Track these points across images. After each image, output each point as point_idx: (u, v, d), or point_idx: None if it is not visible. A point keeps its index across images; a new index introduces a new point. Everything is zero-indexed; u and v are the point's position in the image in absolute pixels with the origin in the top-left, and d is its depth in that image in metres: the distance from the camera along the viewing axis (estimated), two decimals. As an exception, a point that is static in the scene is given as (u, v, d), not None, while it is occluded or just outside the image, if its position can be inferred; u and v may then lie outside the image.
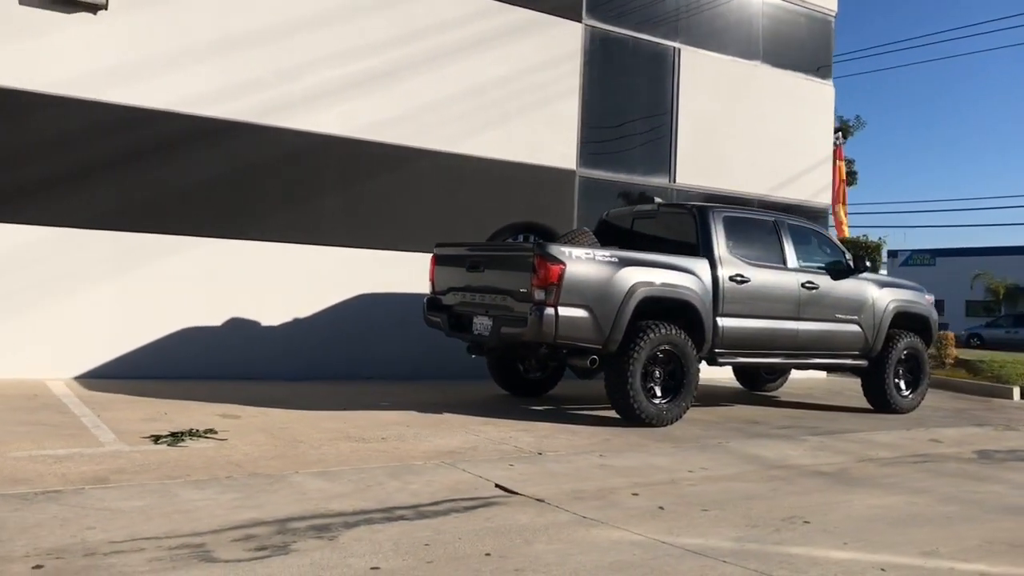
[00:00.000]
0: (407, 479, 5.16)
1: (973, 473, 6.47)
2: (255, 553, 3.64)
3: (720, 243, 8.53)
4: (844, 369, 9.92)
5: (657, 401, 7.90)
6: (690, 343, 8.04)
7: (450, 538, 4.00)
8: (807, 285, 9.02)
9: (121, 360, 8.73)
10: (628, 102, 12.47)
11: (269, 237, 9.57)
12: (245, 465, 5.29)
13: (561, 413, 8.37)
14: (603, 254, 7.73)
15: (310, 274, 9.79)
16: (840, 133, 26.82)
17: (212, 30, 9.20)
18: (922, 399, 10.20)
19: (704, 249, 8.47)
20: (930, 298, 10.48)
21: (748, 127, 13.56)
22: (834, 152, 20.70)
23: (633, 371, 7.66)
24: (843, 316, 9.39)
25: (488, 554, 3.78)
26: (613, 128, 12.36)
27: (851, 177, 27.01)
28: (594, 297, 7.57)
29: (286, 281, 9.65)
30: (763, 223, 9.24)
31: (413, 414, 7.61)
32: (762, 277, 8.75)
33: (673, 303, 8.11)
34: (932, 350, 13.85)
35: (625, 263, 7.81)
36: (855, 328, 9.48)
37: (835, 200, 17.86)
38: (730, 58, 13.40)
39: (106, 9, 8.57)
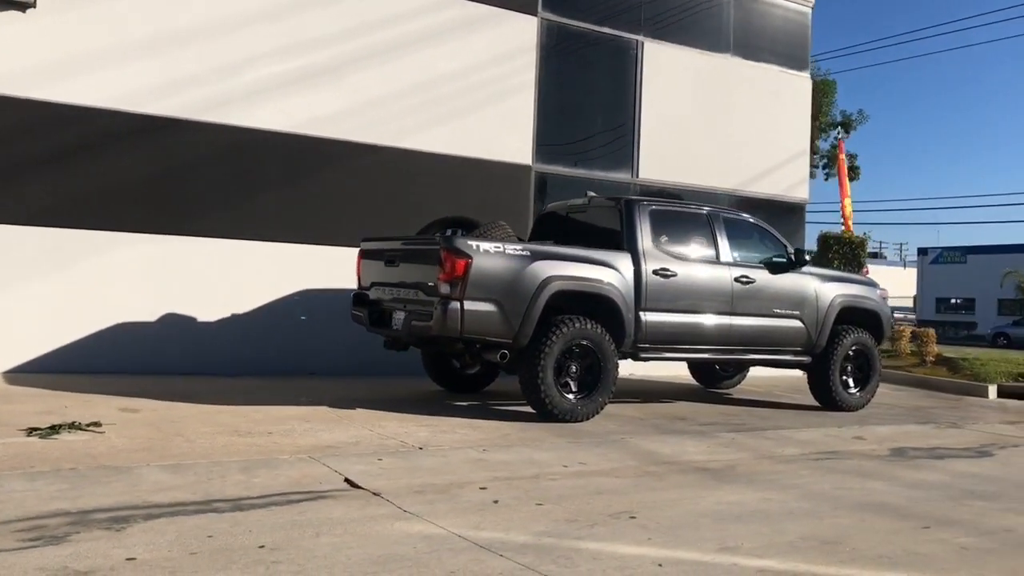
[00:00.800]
0: (256, 473, 5.15)
1: (867, 470, 6.30)
2: (23, 544, 3.66)
3: (645, 237, 8.41)
4: (786, 365, 9.73)
5: (572, 396, 7.82)
6: (608, 338, 7.93)
7: (241, 531, 3.98)
8: (741, 279, 8.86)
9: (54, 355, 8.84)
10: (588, 97, 12.36)
11: (208, 233, 9.63)
12: (101, 458, 5.32)
13: (484, 408, 8.31)
14: (513, 248, 7.67)
15: (251, 270, 9.84)
16: (842, 127, 26.52)
17: (147, 27, 9.28)
18: (872, 396, 9.97)
19: (628, 243, 8.37)
20: (884, 293, 10.24)
21: (718, 121, 13.37)
22: (835, 147, 20.34)
23: (544, 366, 7.58)
24: (783, 311, 9.20)
25: (262, 546, 3.75)
26: (572, 123, 12.26)
27: (853, 172, 26.51)
28: (503, 291, 7.50)
29: (227, 277, 9.70)
30: (695, 217, 9.10)
31: (323, 409, 7.60)
32: (690, 271, 8.62)
33: (590, 297, 8.01)
34: (896, 345, 13.60)
35: (537, 257, 7.73)
36: (796, 323, 9.29)
37: (842, 195, 17.63)
38: (697, 51, 13.21)
39: (35, 7, 8.68)
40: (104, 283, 9.08)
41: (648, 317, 8.31)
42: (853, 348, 9.69)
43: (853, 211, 18.66)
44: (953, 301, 52.88)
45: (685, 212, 9.15)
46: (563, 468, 5.82)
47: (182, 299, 9.50)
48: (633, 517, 4.53)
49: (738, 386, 11.45)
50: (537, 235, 9.60)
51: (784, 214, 14.24)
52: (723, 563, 3.79)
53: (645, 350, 8.44)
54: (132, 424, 6.43)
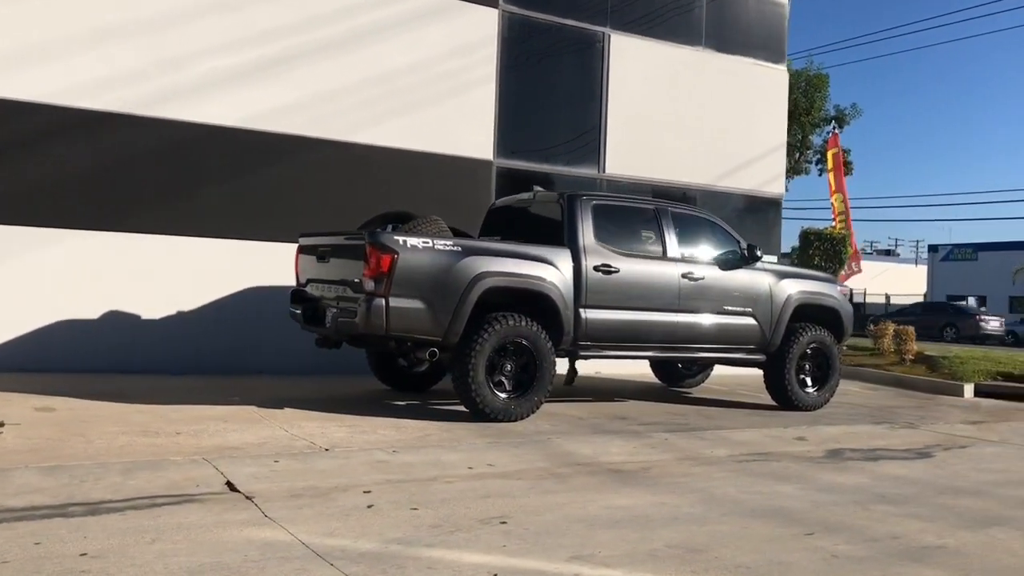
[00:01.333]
0: (137, 475, 5.00)
1: (788, 473, 6.07)
2: None
3: (586, 232, 8.21)
4: (741, 364, 9.49)
5: (505, 395, 7.63)
6: (544, 336, 7.74)
7: (76, 537, 3.83)
8: (689, 276, 8.64)
9: (-9, 352, 8.75)
10: (552, 90, 12.16)
11: (151, 229, 9.50)
12: (-17, 458, 5.19)
13: (420, 408, 8.14)
14: (443, 243, 7.48)
15: (196, 266, 9.71)
16: (835, 122, 26.14)
17: (88, 20, 9.15)
18: (831, 395, 9.72)
19: (569, 238, 8.17)
20: (844, 289, 9.99)
21: (690, 115, 13.12)
22: (828, 141, 20.04)
23: (475, 364, 7.40)
24: (734, 308, 8.97)
25: (84, 554, 3.60)
26: (536, 117, 12.06)
27: (846, 167, 26.05)
28: (431, 288, 7.33)
29: (170, 274, 9.57)
30: (642, 212, 8.89)
31: (249, 409, 7.44)
32: (634, 268, 8.41)
33: (526, 294, 7.83)
34: (880, 343, 13.34)
35: (468, 252, 7.55)
36: (749, 321, 9.05)
37: (837, 188, 17.34)
38: (667, 44, 12.97)
39: (-30, 2, 8.59)
40: (43, 280, 8.97)
41: (589, 315, 8.11)
42: (810, 346, 9.45)
43: (850, 207, 18.39)
44: (965, 298, 52.18)
45: (631, 207, 8.94)
46: (467, 470, 5.63)
47: (124, 296, 9.38)
48: (504, 522, 4.34)
49: (702, 385, 11.23)
50: (486, 230, 9.42)
51: (760, 209, 14.01)
52: (564, 572, 3.60)
53: (586, 348, 8.24)
54: (39, 424, 6.30)
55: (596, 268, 8.14)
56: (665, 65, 12.96)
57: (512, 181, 11.63)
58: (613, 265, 8.23)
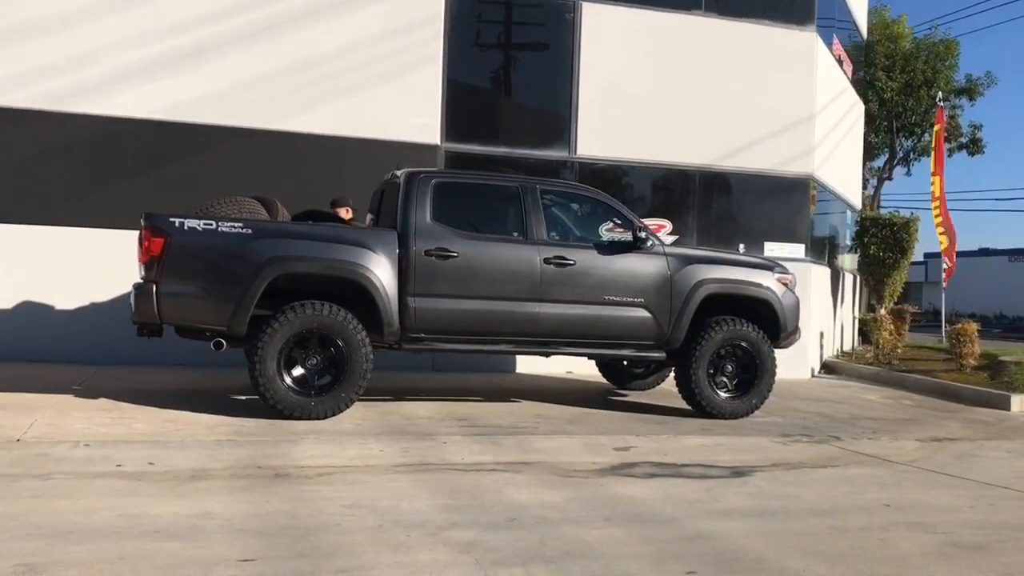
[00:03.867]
0: None
1: (474, 486, 5.04)
2: None
3: (421, 213, 7.42)
4: (633, 361, 8.27)
5: (304, 391, 7.00)
6: (355, 326, 7.04)
7: None
8: (555, 261, 7.59)
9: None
10: (512, 67, 11.32)
11: (65, 222, 9.66)
12: None
13: (237, 404, 7.57)
14: (230, 225, 6.97)
15: (111, 258, 9.76)
16: (966, 94, 22.78)
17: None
18: (760, 402, 8.24)
19: (400, 220, 7.42)
20: (786, 277, 8.44)
21: (686, 89, 11.78)
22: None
23: (262, 357, 6.83)
24: (618, 298, 7.80)
25: None
26: (492, 97, 11.30)
27: (976, 144, 22.53)
28: (212, 273, 6.87)
29: (84, 265, 9.70)
30: (500, 190, 7.96)
31: (60, 398, 7.28)
32: (479, 252, 7.50)
33: (334, 281, 7.17)
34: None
35: (261, 235, 7.02)
36: (639, 313, 7.85)
37: (937, 171, 15.15)
38: (654, 10, 11.70)
39: None
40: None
41: (420, 304, 7.31)
42: (729, 344, 8.06)
43: (946, 193, 15.90)
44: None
45: (486, 185, 8.05)
46: (149, 466, 5.13)
47: (38, 287, 9.61)
48: None
49: (657, 388, 9.91)
50: (372, 213, 8.82)
51: (781, 190, 12.36)
52: None
53: (419, 340, 7.44)
54: None
55: (428, 252, 7.32)
56: (653, 35, 11.70)
57: (465, 166, 10.91)
58: (451, 249, 7.37)
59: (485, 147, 11.10)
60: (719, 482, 5.48)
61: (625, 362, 9.29)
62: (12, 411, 6.63)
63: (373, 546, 3.84)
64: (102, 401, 7.25)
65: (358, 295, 7.15)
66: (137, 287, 6.82)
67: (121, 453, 5.48)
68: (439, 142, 10.86)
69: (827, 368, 13.38)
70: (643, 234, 7.80)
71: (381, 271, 7.18)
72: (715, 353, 8.06)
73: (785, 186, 12.34)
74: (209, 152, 10.11)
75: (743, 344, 8.11)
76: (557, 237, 7.83)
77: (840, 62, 14.46)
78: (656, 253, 7.96)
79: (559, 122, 11.41)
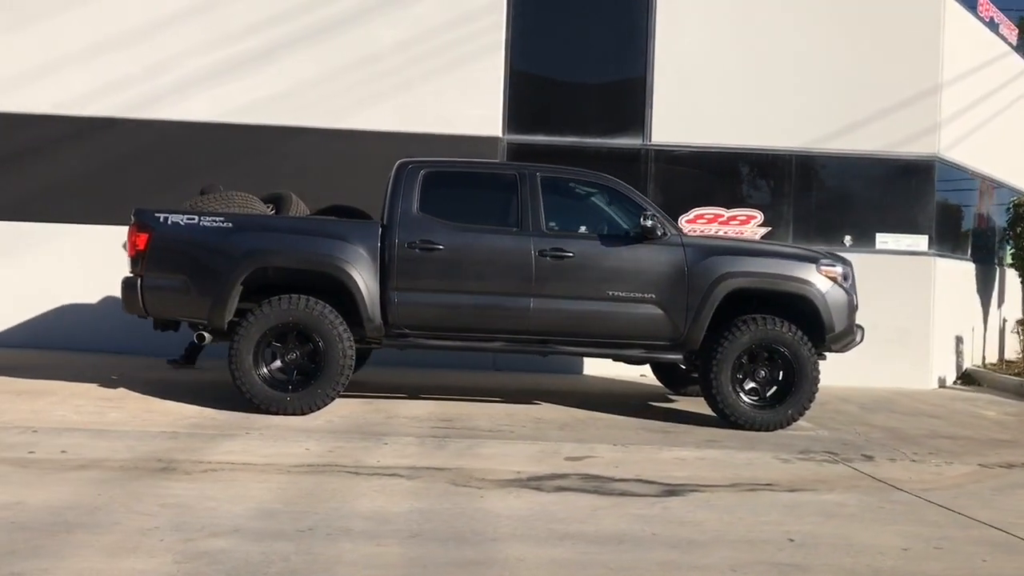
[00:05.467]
0: None
1: (346, 490, 4.66)
2: None
3: (407, 204, 7.17)
4: (645, 363, 7.51)
5: (280, 386, 6.93)
6: (329, 320, 6.89)
7: None
8: (551, 253, 7.06)
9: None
10: (580, 52, 10.73)
11: (143, 222, 10.27)
12: None
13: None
14: (212, 220, 7.04)
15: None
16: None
17: (86, 36, 10.21)
18: (798, 413, 7.22)
19: (388, 212, 7.20)
20: (834, 270, 7.34)
21: (777, 63, 10.68)
22: None
23: (238, 350, 6.85)
24: (624, 293, 7.13)
25: None
26: (557, 85, 10.79)
27: None
28: (193, 267, 6.97)
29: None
30: (496, 178, 7.54)
31: (86, 387, 7.62)
32: (467, 243, 7.13)
33: (312, 275, 7.06)
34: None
35: (242, 228, 7.04)
36: (650, 310, 7.13)
37: None
38: (741, -22, 10.69)
39: (-13, 32, 10.12)
40: (51, 270, 10.19)
41: (402, 298, 7.04)
42: (758, 345, 7.13)
43: None
44: None
45: (481, 173, 7.64)
46: (61, 454, 5.28)
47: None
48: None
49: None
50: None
51: (898, 175, 10.90)
52: None
53: (403, 336, 7.17)
54: None
55: (411, 245, 7.04)
56: (739, 6, 10.68)
57: (528, 158, 10.47)
58: (435, 241, 7.04)
59: (550, 137, 10.61)
60: (628, 501, 4.78)
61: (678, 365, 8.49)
62: (21, 396, 7.06)
63: (90, 548, 3.59)
64: (116, 391, 7.57)
65: (338, 289, 6.99)
66: (124, 280, 7.05)
67: (53, 440, 5.63)
68: (500, 134, 10.51)
69: (966, 378, 11.63)
70: (650, 222, 7.03)
71: (360, 264, 6.98)
72: (744, 356, 7.16)
73: (902, 169, 10.85)
74: (274, 152, 10.36)
75: (777, 347, 7.14)
76: (556, 227, 7.27)
77: (994, 24, 12.54)
78: (671, 244, 7.19)
79: (631, 108, 10.69)
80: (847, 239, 10.70)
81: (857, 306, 7.55)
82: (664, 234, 7.16)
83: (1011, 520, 4.66)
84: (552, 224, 7.26)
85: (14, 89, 10.18)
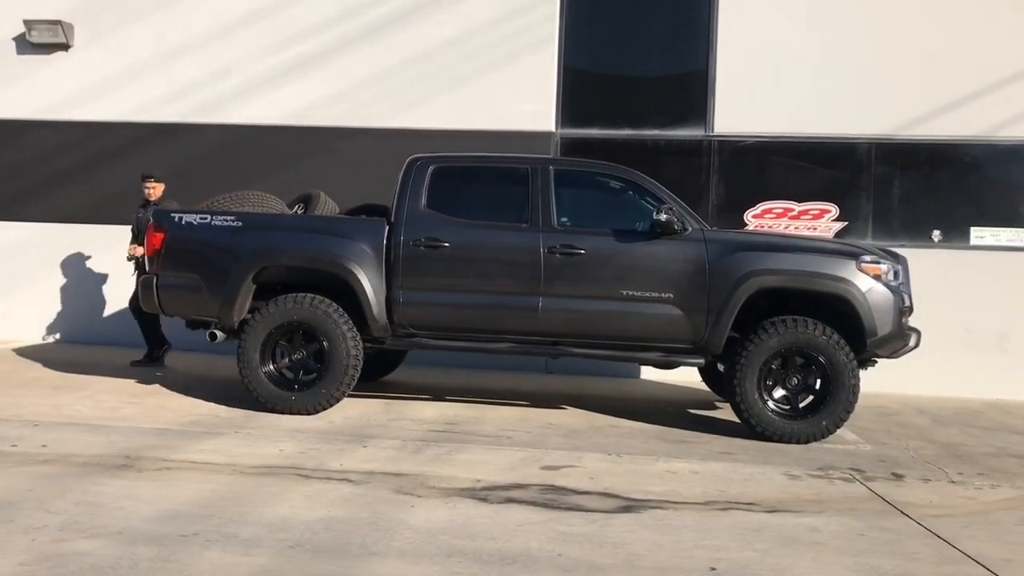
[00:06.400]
0: None
1: (286, 494, 4.49)
2: None
3: (414, 201, 7.02)
4: (662, 365, 6.99)
5: (285, 384, 6.91)
6: (333, 319, 6.81)
7: None
8: (560, 250, 6.72)
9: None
10: (637, 41, 10.24)
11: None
12: None
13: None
14: (223, 219, 7.09)
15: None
16: None
17: (156, 47, 10.62)
18: (833, 424, 6.53)
19: (395, 209, 7.06)
20: (878, 267, 6.61)
21: (855, 43, 9.85)
22: None
23: (245, 348, 6.89)
24: (639, 292, 6.69)
25: None
26: (614, 76, 10.33)
27: None
28: (205, 266, 7.04)
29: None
30: (507, 172, 7.22)
31: (119, 383, 7.92)
32: (473, 240, 6.88)
33: (318, 274, 7.00)
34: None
35: (250, 227, 7.06)
36: (667, 310, 6.66)
37: None
38: (814, -46, 9.90)
39: (72, 47, 10.68)
40: (122, 270, 10.63)
41: (406, 297, 6.87)
42: (789, 350, 6.53)
43: None
44: None
45: (492, 168, 7.32)
46: (12, 447, 5.44)
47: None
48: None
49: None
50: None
51: (994, 163, 9.83)
52: None
53: (408, 336, 7.00)
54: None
55: (415, 243, 6.86)
56: (812, -16, 9.91)
57: (583, 153, 10.13)
58: (441, 238, 6.84)
59: (605, 131, 10.19)
60: (570, 516, 4.38)
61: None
62: (58, 390, 7.37)
63: None
64: (149, 387, 7.78)
65: (344, 288, 6.90)
66: (143, 279, 7.20)
67: (44, 434, 5.79)
68: (553, 128, 10.18)
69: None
70: (664, 216, 6.55)
71: (365, 263, 6.86)
72: (774, 362, 6.57)
73: (1001, 156, 9.75)
74: (331, 153, 10.43)
75: (810, 352, 6.50)
76: (569, 223, 6.90)
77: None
78: (692, 239, 6.67)
79: (692, 97, 10.10)
80: (936, 234, 9.74)
81: (910, 307, 6.79)
82: (684, 229, 6.65)
83: (1007, 557, 3.97)
84: (564, 219, 6.90)
85: (93, 99, 10.70)
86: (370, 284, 6.83)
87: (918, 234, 9.76)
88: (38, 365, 8.80)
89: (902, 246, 9.59)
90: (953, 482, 5.59)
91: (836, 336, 6.48)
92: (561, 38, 10.18)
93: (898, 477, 5.64)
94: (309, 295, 6.88)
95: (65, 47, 10.71)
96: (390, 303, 6.88)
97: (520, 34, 10.20)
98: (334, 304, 6.86)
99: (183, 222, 7.09)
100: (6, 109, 10.86)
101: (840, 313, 6.61)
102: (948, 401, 9.05)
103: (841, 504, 4.87)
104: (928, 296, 9.53)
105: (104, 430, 6.00)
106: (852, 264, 6.58)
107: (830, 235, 9.77)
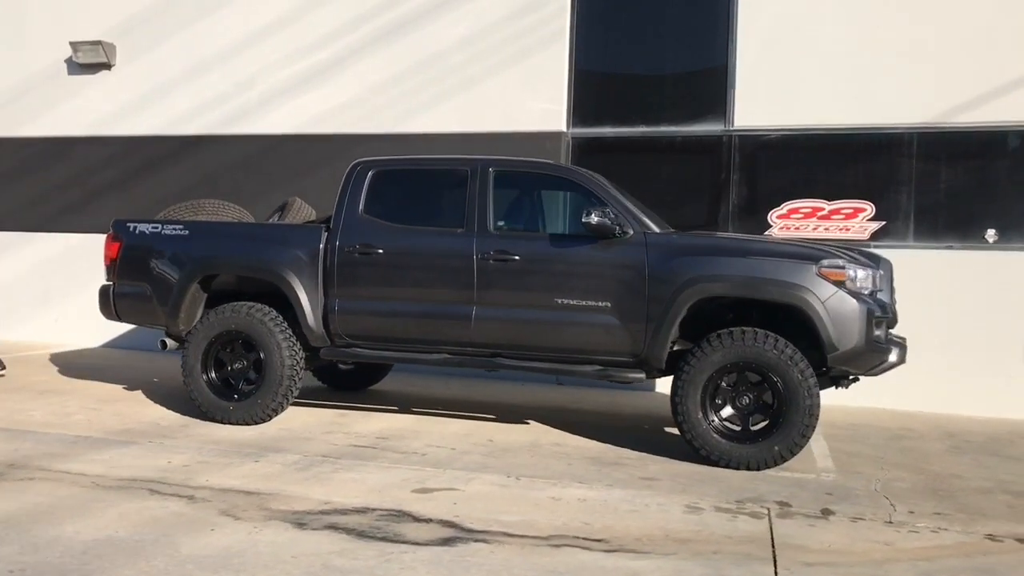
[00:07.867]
0: None
1: (80, 506, 4.34)
2: None
3: (352, 206, 6.82)
4: (605, 380, 6.38)
5: (227, 393, 6.84)
6: (268, 328, 6.70)
7: None
8: (495, 256, 6.32)
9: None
10: (652, 35, 9.64)
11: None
12: None
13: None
14: (172, 228, 7.12)
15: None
16: None
17: (184, 61, 10.95)
18: (787, 450, 5.78)
19: (334, 214, 6.87)
20: (841, 272, 5.80)
21: (890, 22, 8.85)
22: None
23: (186, 357, 6.89)
24: (575, 301, 6.19)
25: None
26: (627, 72, 9.75)
27: None
28: (154, 275, 7.10)
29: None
30: (447, 175, 6.85)
31: (116, 390, 8.11)
32: (404, 246, 6.59)
33: (258, 282, 6.91)
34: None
35: (195, 236, 7.06)
36: (604, 319, 6.14)
37: None
38: (844, -73, 8.97)
39: (109, 69, 11.17)
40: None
41: (343, 305, 6.67)
42: (736, 365, 5.85)
43: None
44: None
45: (431, 170, 6.96)
46: None
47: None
48: None
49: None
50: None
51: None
52: None
53: (345, 345, 6.77)
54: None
55: (350, 249, 6.65)
56: (842, -40, 8.98)
57: (594, 153, 9.64)
58: (374, 244, 6.59)
59: (619, 128, 9.62)
60: (375, 547, 4.00)
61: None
62: (44, 395, 7.64)
63: None
64: (131, 393, 7.97)
65: (279, 295, 6.77)
66: (100, 288, 7.32)
67: (-33, 440, 5.95)
68: (564, 128, 9.71)
69: None
70: (595, 219, 6.00)
71: (300, 270, 6.70)
72: (723, 378, 5.91)
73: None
74: (347, 160, 10.32)
75: (761, 368, 5.79)
76: (506, 227, 6.48)
77: None
78: (632, 243, 6.10)
79: (711, 90, 9.36)
80: (990, 233, 8.58)
81: (888, 317, 5.95)
82: (623, 232, 6.09)
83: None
84: (501, 223, 6.49)
85: (131, 114, 11.16)
86: (305, 292, 6.67)
87: (969, 234, 8.64)
88: (54, 370, 9.18)
89: (949, 247, 8.65)
90: (890, 523, 4.78)
91: (790, 350, 5.74)
92: (572, 32, 9.71)
93: (826, 514, 4.89)
94: (247, 304, 6.81)
95: (108, 66, 11.21)
96: (326, 312, 6.68)
97: (531, 30, 9.80)
98: (272, 312, 6.75)
99: (136, 231, 7.17)
100: (57, 126, 11.49)
101: (789, 323, 5.86)
102: (998, 424, 7.93)
103: (708, 545, 4.23)
104: (980, 305, 8.49)
105: (26, 436, 6.11)
106: (810, 269, 5.81)
107: (865, 236, 8.82)
